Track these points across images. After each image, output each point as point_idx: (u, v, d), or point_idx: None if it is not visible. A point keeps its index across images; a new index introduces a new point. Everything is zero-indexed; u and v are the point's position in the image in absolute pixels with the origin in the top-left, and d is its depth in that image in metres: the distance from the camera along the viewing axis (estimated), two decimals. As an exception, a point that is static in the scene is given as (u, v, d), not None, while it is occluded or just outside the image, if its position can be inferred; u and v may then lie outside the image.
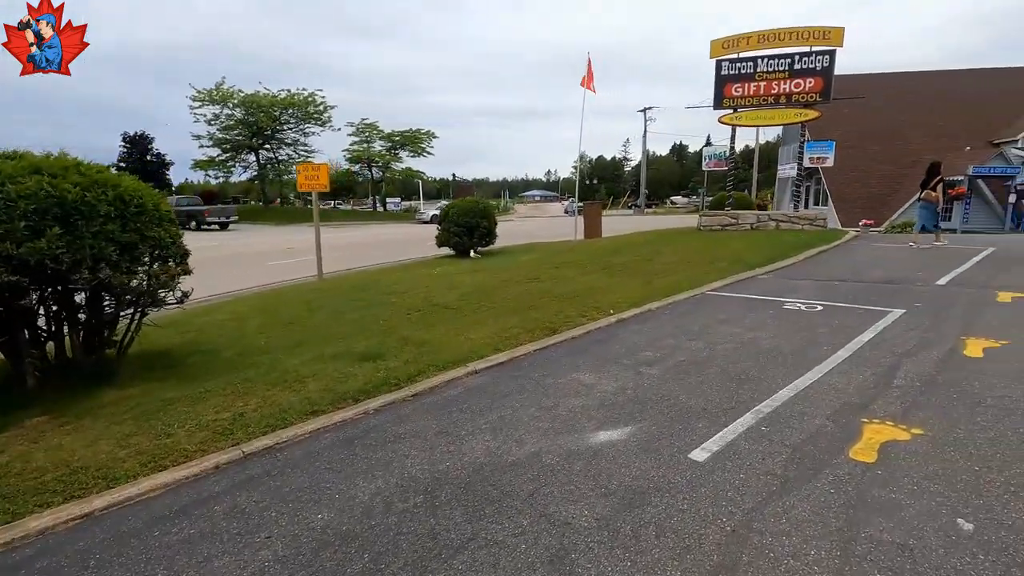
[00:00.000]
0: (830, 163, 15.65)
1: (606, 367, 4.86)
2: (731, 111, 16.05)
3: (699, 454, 3.21)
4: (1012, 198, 21.21)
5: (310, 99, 40.43)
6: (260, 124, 38.90)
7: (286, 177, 45.57)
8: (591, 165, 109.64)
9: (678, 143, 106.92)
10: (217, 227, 33.49)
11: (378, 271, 13.77)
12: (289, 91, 39.07)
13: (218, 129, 39.72)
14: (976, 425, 3.41)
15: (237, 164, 41.88)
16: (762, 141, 40.29)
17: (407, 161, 49.28)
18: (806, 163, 15.80)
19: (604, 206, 58.74)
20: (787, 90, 15.35)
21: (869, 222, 23.60)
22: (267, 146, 43.48)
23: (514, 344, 5.74)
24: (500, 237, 16.19)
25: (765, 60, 15.47)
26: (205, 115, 38.26)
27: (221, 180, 51.63)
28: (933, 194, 12.23)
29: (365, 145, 47.42)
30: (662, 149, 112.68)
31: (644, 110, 53.66)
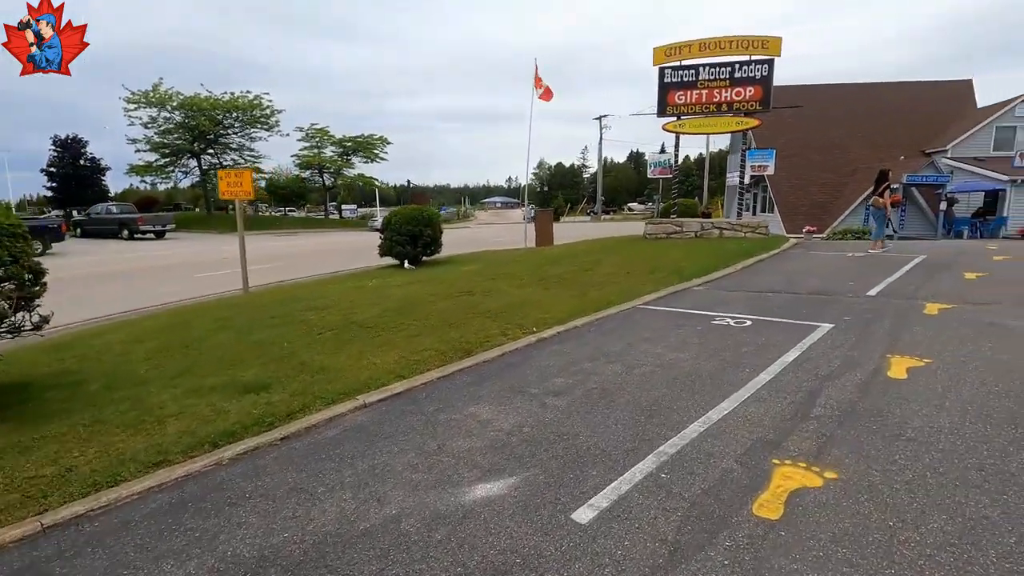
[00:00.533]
0: (771, 171, 15.76)
1: (510, 398, 4.37)
2: (675, 119, 15.99)
3: (584, 513, 2.74)
4: (943, 205, 22.03)
5: (255, 102, 38.90)
6: (201, 128, 37.13)
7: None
8: (550, 172, 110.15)
9: (635, 150, 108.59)
10: (153, 236, 31.70)
11: (311, 283, 13.02)
12: (232, 94, 37.50)
13: (156, 133, 37.76)
14: (894, 465, 3.07)
15: (176, 170, 39.81)
16: (714, 149, 41.14)
17: (361, 167, 48.09)
18: (748, 171, 15.86)
19: (558, 213, 58.94)
20: (728, 98, 15.38)
21: (812, 229, 24.11)
22: (210, 151, 41.65)
23: (420, 369, 5.20)
24: (452, 245, 15.69)
25: (707, 68, 15.47)
26: (141, 118, 36.29)
27: (169, 186, 49.36)
28: (880, 200, 12.35)
29: (316, 151, 46.00)
30: (620, 156, 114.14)
31: (599, 118, 53.96)
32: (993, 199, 22.81)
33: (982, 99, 28.53)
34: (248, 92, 37.99)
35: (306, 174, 48.23)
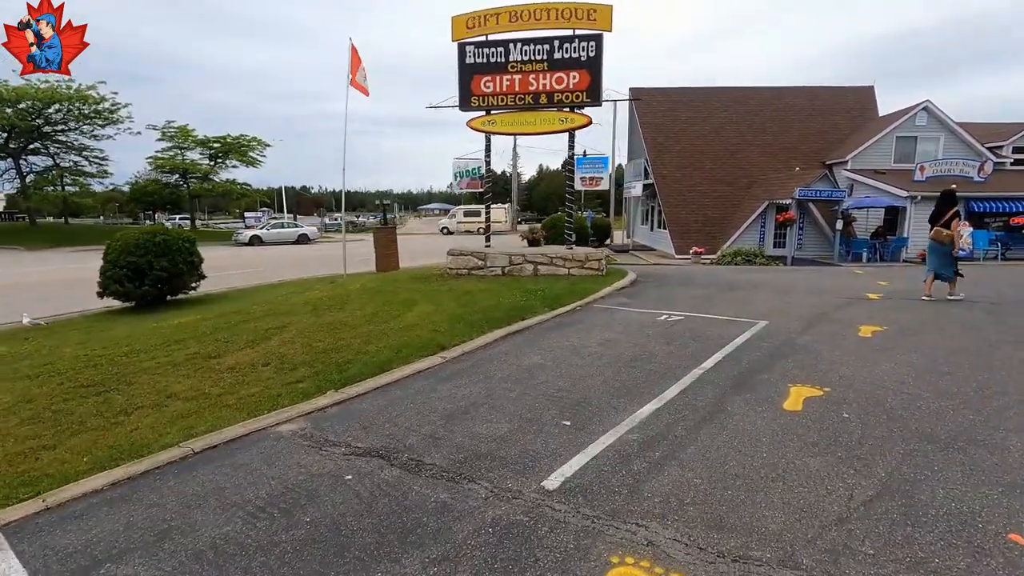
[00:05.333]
0: (605, 185, 11.95)
1: None
2: (483, 113, 11.96)
3: None
4: (839, 224, 19.09)
5: (86, 95, 32.79)
6: (10, 123, 30.77)
7: (70, 188, 37.25)
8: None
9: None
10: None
11: None
12: (50, 83, 31.25)
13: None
14: None
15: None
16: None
17: (238, 172, 42.39)
18: (578, 185, 11.99)
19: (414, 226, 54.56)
20: (547, 86, 11.48)
21: (700, 250, 20.75)
22: (41, 151, 35.13)
23: None
24: (278, 267, 11.01)
25: (519, 46, 11.53)
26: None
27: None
28: (945, 232, 8.58)
29: (178, 151, 40.03)
30: (555, 163, 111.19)
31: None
32: (894, 217, 20.09)
33: (884, 111, 26.22)
34: (72, 81, 31.87)
35: (173, 178, 42.02)
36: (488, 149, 12.21)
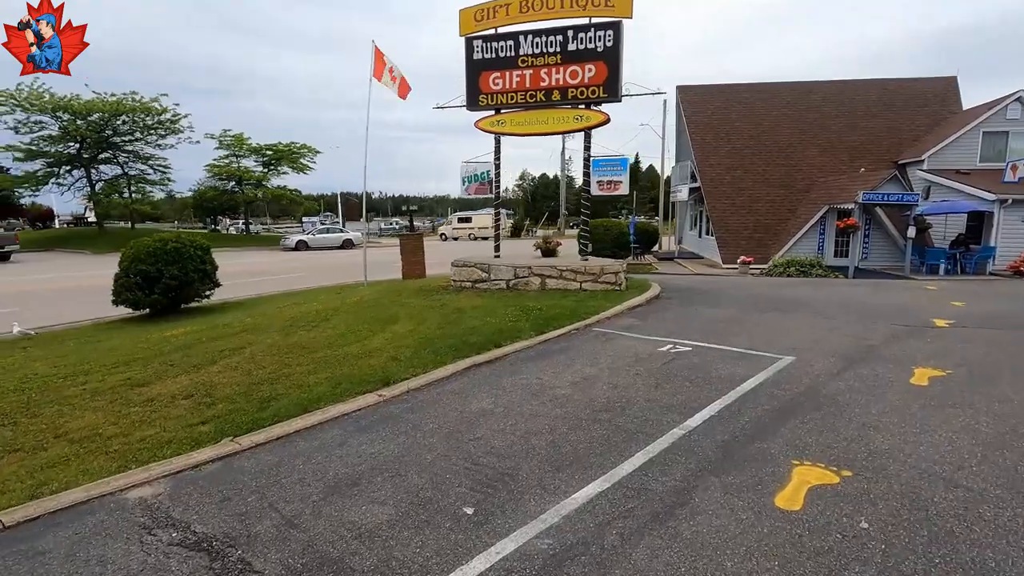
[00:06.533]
0: (624, 189, 10.71)
1: None
2: (492, 112, 11.01)
3: None
4: (911, 232, 16.79)
5: (150, 106, 34.33)
6: (81, 134, 32.59)
7: (136, 195, 39.21)
8: (534, 183, 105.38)
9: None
10: (-6, 259, 27.13)
11: None
12: (111, 94, 32.89)
13: (34, 139, 33.19)
14: None
15: (51, 183, 35.06)
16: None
17: (289, 178, 43.50)
18: (594, 189, 10.82)
19: (518, 229, 54.04)
20: (560, 81, 10.40)
21: (749, 259, 18.93)
22: (113, 158, 37.11)
23: None
24: (329, 272, 10.85)
25: (529, 38, 10.51)
26: (6, 122, 31.76)
27: (65, 197, 44.90)
28: None
29: (234, 159, 41.42)
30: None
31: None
32: (979, 223, 17.54)
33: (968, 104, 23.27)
34: (135, 93, 33.45)
35: (230, 185, 43.55)
36: (498, 152, 11.23)
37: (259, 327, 8.50)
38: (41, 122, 32.46)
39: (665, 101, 31.30)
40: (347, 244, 36.02)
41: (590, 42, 10.15)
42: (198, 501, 3.38)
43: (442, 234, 47.30)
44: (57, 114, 31.79)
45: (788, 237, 19.88)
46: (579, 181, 14.13)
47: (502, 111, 10.96)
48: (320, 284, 16.39)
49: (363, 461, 3.80)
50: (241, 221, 55.80)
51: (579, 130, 10.56)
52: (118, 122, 34.22)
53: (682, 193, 27.14)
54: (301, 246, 35.77)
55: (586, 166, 10.68)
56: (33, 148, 32.96)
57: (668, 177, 33.37)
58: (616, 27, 9.99)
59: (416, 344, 6.67)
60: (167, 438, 4.37)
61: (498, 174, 11.36)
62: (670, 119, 31.19)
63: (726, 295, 10.85)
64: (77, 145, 34.60)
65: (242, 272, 21.03)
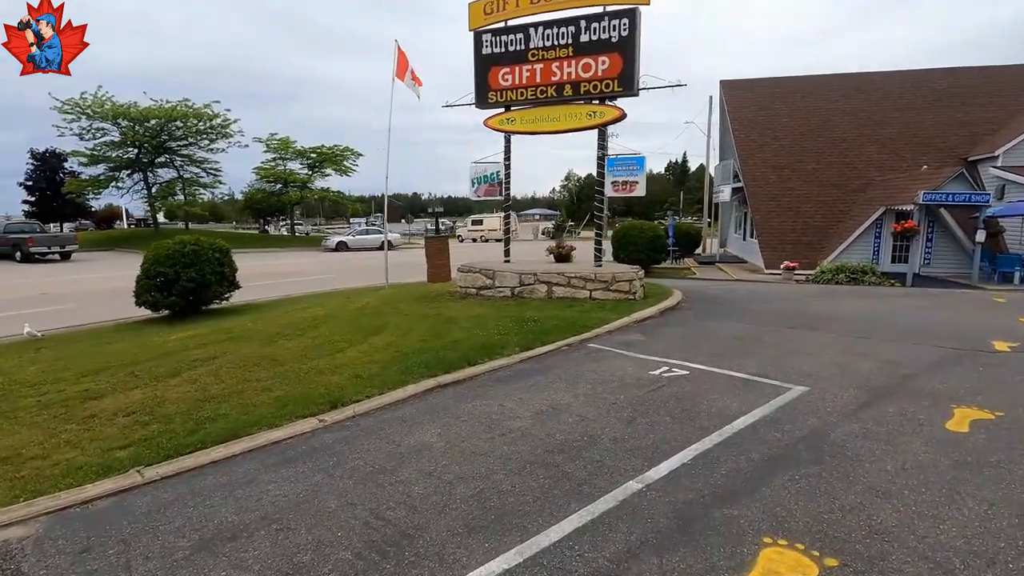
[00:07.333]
0: (640, 191, 9.88)
1: None
2: (502, 110, 10.44)
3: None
4: (980, 236, 15.01)
5: (202, 112, 35.67)
6: (138, 140, 34.17)
7: (192, 197, 40.88)
8: (580, 184, 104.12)
9: (676, 160, 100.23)
10: (59, 257, 28.72)
11: None
12: (167, 101, 34.29)
13: (97, 145, 35.08)
14: None
15: (111, 186, 36.92)
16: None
17: (332, 180, 44.38)
18: (608, 191, 10.04)
19: (560, 228, 53.11)
20: (572, 75, 9.72)
21: (793, 265, 17.59)
22: (169, 162, 38.82)
23: None
24: (360, 274, 10.92)
25: (540, 30, 9.88)
26: (72, 129, 33.66)
27: (124, 200, 47.27)
28: None
29: (280, 161, 42.58)
30: (658, 166, 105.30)
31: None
32: (1063, 227, 15.55)
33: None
34: (186, 100, 34.81)
35: (277, 187, 44.83)
36: (507, 151, 10.64)
37: (246, 335, 8.24)
38: (103, 128, 34.26)
39: (711, 97, 29.88)
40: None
41: (604, 32, 9.41)
42: (58, 550, 2.97)
43: (459, 236, 48.31)
44: (118, 121, 33.43)
45: (839, 241, 18.34)
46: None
47: (512, 108, 10.36)
48: (348, 286, 16.28)
49: (259, 507, 3.30)
50: (287, 222, 57.48)
51: (592, 127, 9.82)
52: (173, 127, 35.71)
53: (724, 193, 25.69)
54: (341, 247, 36.34)
55: (599, 166, 9.92)
56: (96, 153, 34.84)
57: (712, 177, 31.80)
58: (632, 14, 9.21)
59: (388, 359, 6.18)
60: (81, 463, 4.03)
61: (508, 175, 10.76)
62: (715, 116, 29.72)
63: (754, 306, 9.84)
64: (136, 150, 36.32)
65: (277, 273, 21.30)
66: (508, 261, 10.77)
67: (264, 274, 20.16)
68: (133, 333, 10.47)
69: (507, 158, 10.69)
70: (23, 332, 9.73)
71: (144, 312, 12.17)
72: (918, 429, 4.05)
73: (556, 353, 6.44)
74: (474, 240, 45.97)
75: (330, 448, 4.10)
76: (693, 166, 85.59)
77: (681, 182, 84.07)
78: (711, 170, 31.27)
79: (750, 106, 23.62)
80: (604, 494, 3.23)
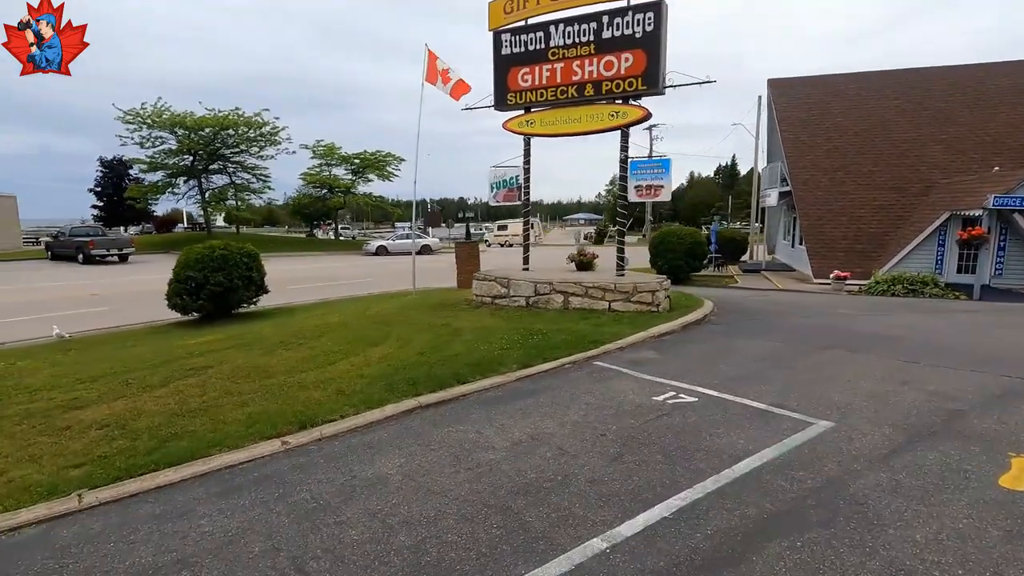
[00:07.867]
0: (665, 196, 9.22)
1: None
2: (521, 111, 10.03)
3: None
4: (1061, 246, 13.47)
5: (253, 120, 36.92)
6: (192, 147, 35.67)
7: (240, 202, 42.42)
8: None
9: (726, 163, 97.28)
10: (116, 259, 30.26)
11: None
12: (218, 111, 35.67)
13: (156, 153, 36.86)
14: None
15: (168, 192, 38.63)
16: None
17: (375, 186, 45.12)
18: (632, 196, 9.43)
19: (601, 236, 52.15)
20: (594, 73, 9.21)
21: (844, 274, 16.39)
22: (226, 168, 40.42)
23: None
24: (394, 278, 11.12)
25: (560, 27, 9.42)
26: (132, 138, 35.47)
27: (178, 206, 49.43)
28: None
29: (325, 167, 43.62)
30: (707, 169, 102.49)
31: (650, 128, 46.75)
32: None
33: None
34: (238, 109, 36.09)
35: (322, 192, 45.98)
36: (527, 154, 10.21)
37: (253, 342, 8.11)
38: (161, 137, 35.94)
39: (760, 97, 28.56)
40: (425, 250, 36.56)
41: (627, 27, 8.85)
42: (-43, 588, 2.74)
43: (486, 241, 48.48)
44: (174, 129, 35.00)
45: (897, 249, 16.97)
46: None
47: (532, 110, 9.93)
48: (382, 290, 16.30)
49: (179, 547, 2.99)
50: (331, 226, 58.86)
51: (615, 128, 9.26)
52: (225, 135, 37.11)
53: (771, 198, 24.37)
54: (381, 251, 36.86)
55: (622, 169, 9.34)
56: (155, 160, 36.59)
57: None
58: (657, 8, 8.62)
59: (378, 373, 5.85)
60: (32, 482, 3.86)
61: (527, 179, 10.31)
62: (764, 117, 28.33)
63: (791, 320, 9.01)
64: (191, 157, 37.94)
65: (313, 277, 21.60)
66: (527, 269, 10.32)
67: (303, 278, 20.46)
68: (159, 337, 10.61)
69: (527, 162, 10.25)
70: (52, 334, 10.02)
71: (176, 315, 12.43)
72: (963, 484, 3.35)
73: (557, 372, 5.95)
74: (501, 245, 46.08)
75: (282, 477, 3.78)
76: (743, 169, 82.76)
77: (730, 186, 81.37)
78: (759, 173, 29.83)
79: (799, 106, 22.33)
80: (560, 554, 2.74)
